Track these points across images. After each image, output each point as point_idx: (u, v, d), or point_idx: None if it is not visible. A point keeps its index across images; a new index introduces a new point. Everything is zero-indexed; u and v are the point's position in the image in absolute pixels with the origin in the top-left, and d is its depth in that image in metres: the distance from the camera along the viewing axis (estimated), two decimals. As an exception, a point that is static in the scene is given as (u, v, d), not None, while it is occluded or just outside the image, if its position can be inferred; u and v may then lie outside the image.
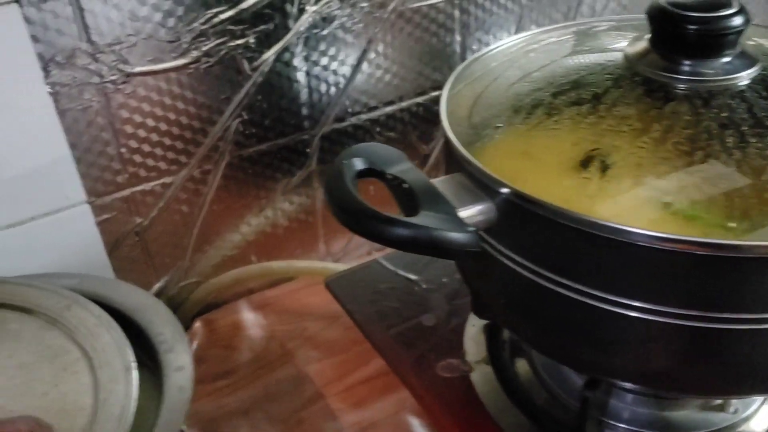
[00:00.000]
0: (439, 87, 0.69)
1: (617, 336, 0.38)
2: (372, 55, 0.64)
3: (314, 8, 0.60)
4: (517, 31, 0.71)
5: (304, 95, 0.63)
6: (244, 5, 0.57)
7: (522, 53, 0.50)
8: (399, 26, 0.64)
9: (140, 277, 0.63)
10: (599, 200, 0.42)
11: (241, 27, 0.57)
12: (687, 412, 0.46)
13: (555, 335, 0.39)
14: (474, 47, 0.69)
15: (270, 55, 0.60)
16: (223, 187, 0.63)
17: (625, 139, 0.41)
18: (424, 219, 0.34)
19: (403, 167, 0.37)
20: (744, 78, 0.39)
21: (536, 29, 0.51)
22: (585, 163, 0.44)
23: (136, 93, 0.55)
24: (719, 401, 0.45)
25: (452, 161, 0.40)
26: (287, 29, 0.59)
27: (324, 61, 0.62)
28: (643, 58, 0.40)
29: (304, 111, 0.64)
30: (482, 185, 0.36)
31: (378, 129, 0.69)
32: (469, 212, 0.35)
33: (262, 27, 0.58)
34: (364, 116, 0.67)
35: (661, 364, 0.39)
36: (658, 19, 0.39)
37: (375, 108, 0.67)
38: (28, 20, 0.50)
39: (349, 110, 0.66)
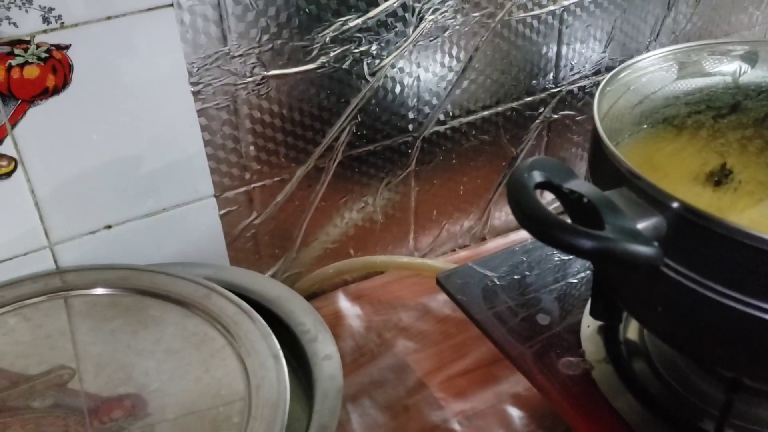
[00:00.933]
0: (533, 93, 0.72)
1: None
2: (476, 63, 0.67)
3: (432, 17, 0.63)
4: (608, 44, 0.74)
5: (412, 100, 0.66)
6: (371, 14, 0.59)
7: (646, 73, 0.53)
8: (504, 35, 0.67)
9: (251, 266, 0.66)
10: (733, 213, 0.46)
11: (366, 34, 0.60)
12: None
13: (712, 342, 0.42)
14: (569, 56, 0.72)
15: (388, 61, 0.62)
16: (332, 183, 0.66)
17: (749, 158, 0.44)
18: (611, 232, 0.37)
19: (577, 182, 0.40)
20: None
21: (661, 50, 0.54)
22: (714, 177, 0.48)
23: (269, 95, 0.58)
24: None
25: (607, 175, 0.43)
26: (406, 37, 0.62)
27: (433, 67, 0.65)
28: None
29: (411, 114, 0.67)
30: (652, 200, 0.39)
31: (474, 132, 0.72)
32: (643, 225, 0.38)
33: (385, 35, 0.61)
34: (463, 119, 0.70)
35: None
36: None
37: (474, 112, 0.70)
38: (180, 23, 0.52)
39: (451, 114, 0.69)
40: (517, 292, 0.59)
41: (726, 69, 0.51)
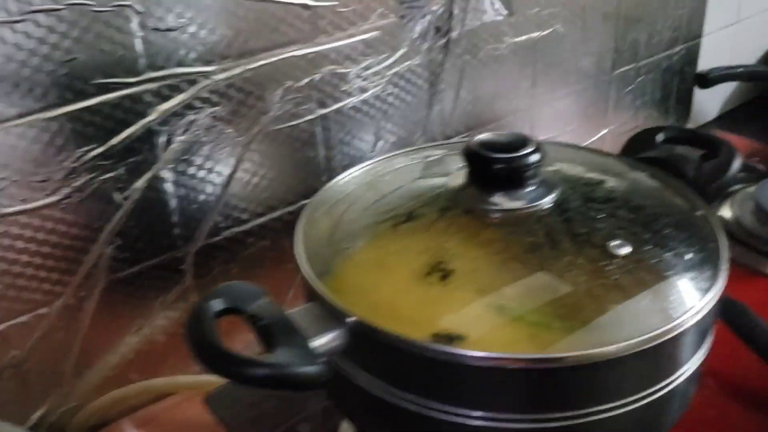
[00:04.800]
0: (308, 196, 0.74)
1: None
2: (240, 174, 0.68)
3: (182, 138, 0.64)
4: (376, 144, 0.77)
5: (175, 216, 0.66)
6: (113, 141, 0.60)
7: (376, 177, 0.55)
8: (265, 145, 0.69)
9: (19, 406, 0.63)
10: (451, 308, 0.48)
11: (111, 161, 0.60)
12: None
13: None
14: (339, 158, 0.75)
15: (140, 183, 0.63)
16: (99, 311, 0.65)
17: (458, 257, 0.47)
18: (278, 356, 0.38)
19: (261, 302, 0.41)
20: (546, 203, 0.46)
21: (386, 155, 0.57)
22: (435, 273, 0.50)
23: (8, 232, 0.57)
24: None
25: (306, 291, 0.44)
26: (156, 158, 0.63)
27: (193, 183, 0.66)
28: (464, 190, 0.47)
29: (176, 231, 0.67)
30: (333, 313, 0.41)
31: (251, 239, 0.72)
32: (322, 341, 0.40)
33: (131, 159, 0.61)
34: (236, 229, 0.71)
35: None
36: (471, 159, 0.46)
37: (247, 221, 0.71)
38: None
39: (221, 225, 0.70)
40: (282, 398, 0.59)
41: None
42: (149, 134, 0.62)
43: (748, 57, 1.28)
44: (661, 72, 1.11)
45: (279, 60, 0.67)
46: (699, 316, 0.41)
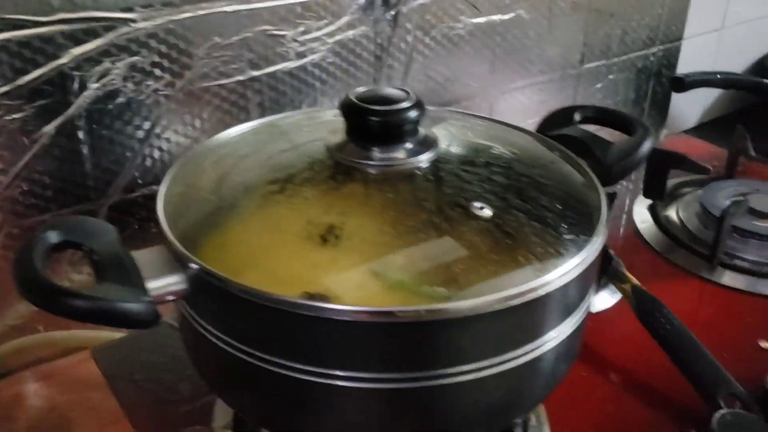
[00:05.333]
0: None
1: (322, 403, 0.41)
2: (159, 129, 0.67)
3: (96, 85, 0.62)
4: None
5: (88, 166, 0.65)
6: (20, 81, 0.58)
7: (266, 135, 0.54)
8: (190, 103, 0.67)
9: None
10: (336, 272, 0.45)
11: (18, 101, 0.59)
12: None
13: (259, 405, 0.42)
14: (268, 125, 0.73)
15: (50, 128, 0.61)
16: (4, 257, 0.63)
17: (334, 217, 0.45)
18: (101, 289, 0.36)
19: (106, 239, 0.40)
20: (423, 161, 0.44)
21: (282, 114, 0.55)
22: (326, 236, 0.48)
23: None
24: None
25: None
26: (68, 104, 0.61)
27: (109, 134, 0.65)
28: (343, 148, 0.45)
29: (90, 182, 0.65)
30: (177, 258, 0.39)
31: (173, 200, 0.71)
32: (158, 283, 0.38)
33: (40, 102, 0.60)
34: (155, 187, 0.69)
35: (368, 425, 0.42)
36: (348, 113, 0.43)
37: (166, 180, 0.69)
38: None
39: (139, 181, 0.68)
40: (170, 356, 0.57)
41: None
42: (61, 78, 0.60)
43: (734, 66, 1.25)
44: (635, 72, 1.08)
45: (206, 14, 0.65)
46: (561, 282, 0.39)
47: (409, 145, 0.44)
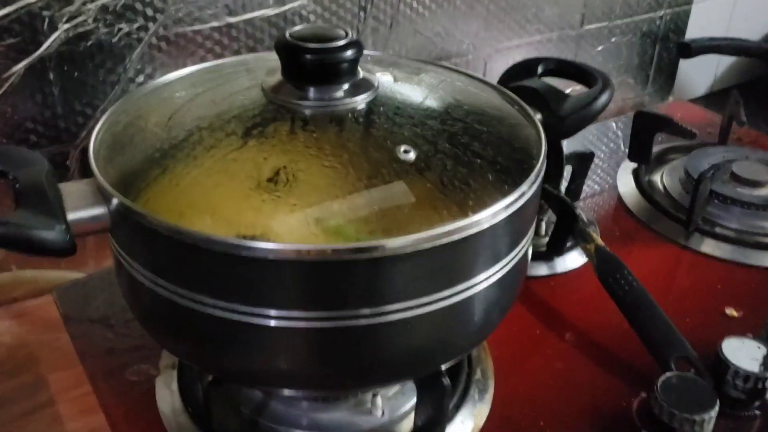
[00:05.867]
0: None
1: (253, 344, 0.41)
2: (132, 74, 0.67)
3: (66, 26, 0.62)
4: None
5: (59, 109, 0.65)
6: (-14, 18, 0.58)
7: (205, 79, 0.53)
8: (163, 49, 0.67)
9: None
10: (279, 215, 0.45)
11: (-15, 39, 0.59)
12: (338, 415, 0.49)
13: (189, 346, 0.42)
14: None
15: (19, 68, 0.61)
16: (-25, 195, 0.64)
17: (271, 160, 0.44)
18: (16, 216, 0.36)
19: (34, 170, 0.40)
20: (358, 102, 0.43)
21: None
22: (272, 180, 0.47)
23: None
24: (369, 404, 0.49)
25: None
26: (38, 44, 0.61)
27: (81, 77, 0.65)
28: (279, 89, 0.44)
29: (62, 124, 0.65)
30: (102, 192, 0.39)
31: (149, 146, 0.71)
32: (78, 215, 0.38)
33: (9, 40, 0.60)
34: (129, 133, 0.69)
35: (297, 365, 0.42)
36: (283, 51, 0.43)
37: (140, 125, 0.69)
38: None
39: (112, 126, 0.68)
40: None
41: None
42: (30, 17, 0.60)
43: (748, 34, 1.21)
44: (640, 35, 1.06)
45: (178, -43, 0.65)
46: (486, 224, 0.38)
47: (345, 86, 0.43)
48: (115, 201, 0.38)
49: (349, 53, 0.42)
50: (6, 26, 0.59)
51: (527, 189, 0.40)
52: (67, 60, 0.63)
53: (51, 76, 0.63)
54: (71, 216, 0.38)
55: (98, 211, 0.39)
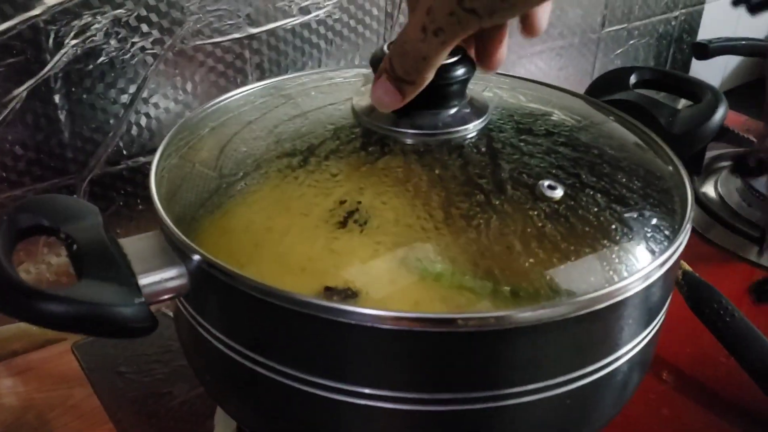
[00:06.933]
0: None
1: (343, 426, 0.34)
2: (147, 93, 0.59)
3: (74, 42, 0.54)
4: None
5: (66, 135, 0.57)
6: (-17, 36, 0.50)
7: (276, 98, 0.46)
8: (181, 63, 0.60)
9: None
10: (340, 258, 0.38)
11: (-19, 61, 0.51)
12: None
13: (265, 420, 0.35)
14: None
15: (21, 91, 0.53)
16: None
17: (364, 197, 0.38)
18: (82, 289, 0.29)
19: (86, 224, 0.32)
20: (471, 130, 0.36)
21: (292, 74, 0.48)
22: (348, 219, 0.40)
23: None
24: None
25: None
26: (42, 64, 0.53)
27: (90, 99, 0.57)
28: (372, 112, 0.37)
29: (68, 153, 0.58)
30: (176, 247, 0.32)
31: (162, 174, 0.63)
32: (152, 279, 0.31)
33: (10, 60, 0.52)
34: (142, 159, 0.62)
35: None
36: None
37: (154, 150, 0.62)
38: None
39: (124, 152, 0.60)
40: (160, 355, 0.50)
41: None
42: (34, 33, 0.52)
43: (757, 32, 1.18)
44: (656, 37, 1.01)
45: (198, -39, 0.57)
46: (645, 283, 0.32)
47: (454, 110, 0.36)
48: (196, 258, 0.31)
49: (460, 71, 0.35)
50: (6, 43, 0.51)
51: (686, 231, 0.34)
52: (75, 80, 0.56)
53: (56, 99, 0.55)
54: (143, 281, 0.31)
55: (173, 272, 0.31)
